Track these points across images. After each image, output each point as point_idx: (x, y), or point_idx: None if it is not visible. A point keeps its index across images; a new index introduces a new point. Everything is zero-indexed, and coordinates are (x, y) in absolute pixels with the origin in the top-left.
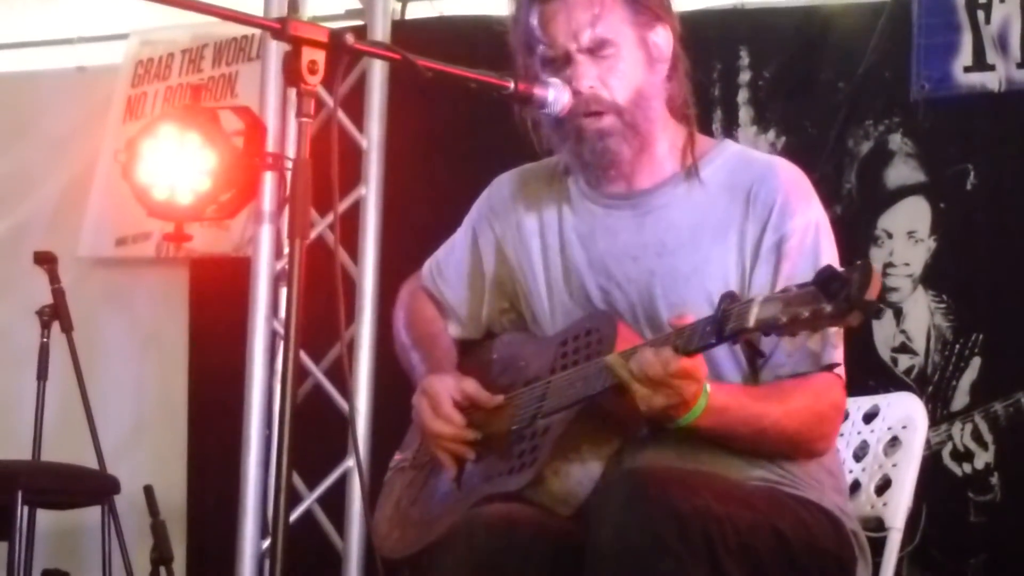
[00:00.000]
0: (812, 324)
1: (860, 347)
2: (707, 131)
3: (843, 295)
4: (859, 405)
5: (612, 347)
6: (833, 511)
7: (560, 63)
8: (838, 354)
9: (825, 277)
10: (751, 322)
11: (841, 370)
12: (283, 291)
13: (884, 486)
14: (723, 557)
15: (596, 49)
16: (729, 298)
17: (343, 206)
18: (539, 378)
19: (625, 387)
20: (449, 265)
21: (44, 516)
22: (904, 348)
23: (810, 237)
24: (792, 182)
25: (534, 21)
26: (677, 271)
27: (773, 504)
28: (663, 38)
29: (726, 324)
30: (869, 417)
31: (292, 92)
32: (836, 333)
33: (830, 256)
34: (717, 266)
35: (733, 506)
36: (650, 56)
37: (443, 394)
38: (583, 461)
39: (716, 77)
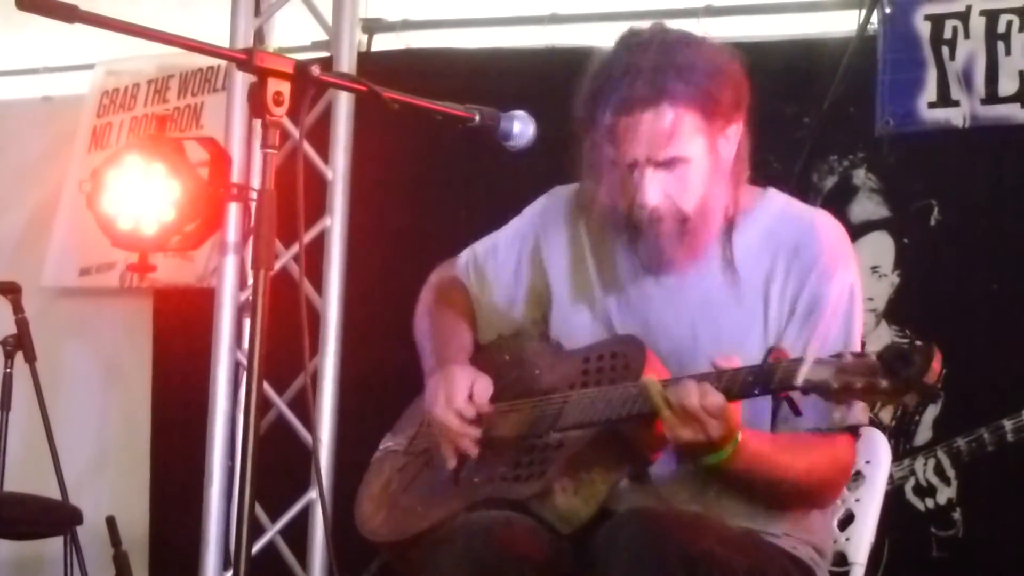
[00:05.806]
0: (863, 396)
1: None
2: None
3: (904, 375)
4: None
5: (640, 374)
6: (807, 562)
7: (626, 169)
8: (862, 414)
9: (890, 354)
10: (799, 380)
11: (864, 430)
12: (247, 322)
13: (847, 520)
14: None
15: (668, 166)
16: (776, 351)
17: (308, 237)
18: (555, 390)
19: (656, 412)
20: (488, 264)
21: (6, 546)
22: None
23: (844, 302)
24: (832, 243)
25: (606, 120)
26: (720, 321)
27: (760, 551)
28: (733, 135)
29: (773, 376)
30: None
31: (258, 123)
32: None
33: (860, 322)
34: (752, 321)
35: (732, 551)
36: (718, 160)
37: (461, 387)
38: (592, 483)
39: None
